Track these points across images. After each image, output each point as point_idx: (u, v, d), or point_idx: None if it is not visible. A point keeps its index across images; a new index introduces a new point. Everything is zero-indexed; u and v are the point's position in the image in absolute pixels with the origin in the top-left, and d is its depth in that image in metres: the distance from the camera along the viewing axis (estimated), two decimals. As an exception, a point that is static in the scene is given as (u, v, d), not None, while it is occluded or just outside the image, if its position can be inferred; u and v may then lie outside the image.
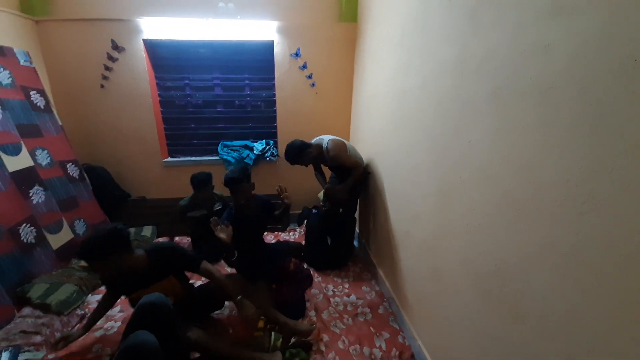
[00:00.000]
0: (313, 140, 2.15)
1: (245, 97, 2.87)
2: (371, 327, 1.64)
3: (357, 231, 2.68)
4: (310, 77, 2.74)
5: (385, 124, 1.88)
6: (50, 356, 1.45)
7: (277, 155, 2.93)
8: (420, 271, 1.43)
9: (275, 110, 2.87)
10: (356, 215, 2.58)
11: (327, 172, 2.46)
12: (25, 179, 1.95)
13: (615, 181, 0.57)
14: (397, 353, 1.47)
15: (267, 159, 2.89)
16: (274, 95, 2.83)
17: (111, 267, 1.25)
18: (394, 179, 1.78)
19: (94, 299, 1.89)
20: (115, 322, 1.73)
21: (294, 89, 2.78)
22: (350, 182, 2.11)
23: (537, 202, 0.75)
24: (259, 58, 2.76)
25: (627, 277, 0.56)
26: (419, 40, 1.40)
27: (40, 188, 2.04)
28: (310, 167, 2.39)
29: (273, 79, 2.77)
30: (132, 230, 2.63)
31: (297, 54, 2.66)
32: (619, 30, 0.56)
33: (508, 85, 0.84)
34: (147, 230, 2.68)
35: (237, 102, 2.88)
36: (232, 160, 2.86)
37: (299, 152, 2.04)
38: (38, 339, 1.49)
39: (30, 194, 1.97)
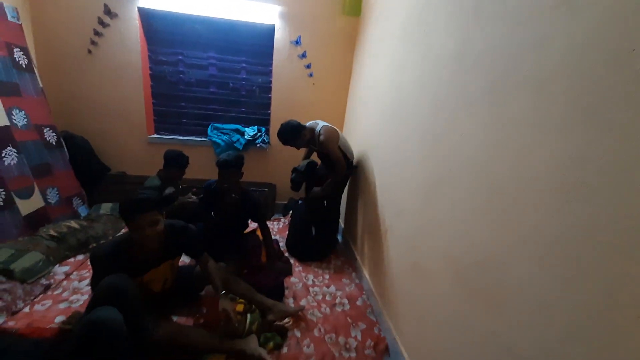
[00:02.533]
0: (308, 124, 2.10)
1: (241, 80, 2.81)
2: (348, 318, 1.63)
3: (342, 226, 2.68)
4: (308, 66, 2.72)
5: (379, 118, 1.88)
6: (11, 322, 1.36)
7: (268, 142, 2.89)
8: (401, 265, 1.43)
9: (270, 97, 2.83)
10: (342, 209, 2.57)
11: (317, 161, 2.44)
12: (-2, 138, 1.84)
13: (602, 170, 0.58)
14: (372, 344, 1.47)
15: (258, 145, 2.84)
16: (270, 81, 2.78)
17: (161, 226, 1.21)
18: (383, 173, 1.78)
19: (60, 270, 1.80)
20: (82, 295, 1.65)
21: (291, 77, 2.74)
22: (328, 187, 2.09)
23: (524, 192, 0.76)
24: (258, 42, 2.70)
25: (607, 266, 0.57)
26: (419, 35, 1.41)
27: (14, 150, 1.93)
28: (301, 154, 2.37)
29: (271, 65, 2.72)
30: (108, 205, 2.52)
31: (297, 42, 2.63)
32: (615, 21, 0.57)
33: (503, 79, 0.85)
34: (126, 207, 2.58)
35: (231, 84, 2.82)
36: (222, 144, 2.80)
37: (294, 133, 2.00)
38: (-3, 305, 1.40)
39: (3, 155, 1.85)
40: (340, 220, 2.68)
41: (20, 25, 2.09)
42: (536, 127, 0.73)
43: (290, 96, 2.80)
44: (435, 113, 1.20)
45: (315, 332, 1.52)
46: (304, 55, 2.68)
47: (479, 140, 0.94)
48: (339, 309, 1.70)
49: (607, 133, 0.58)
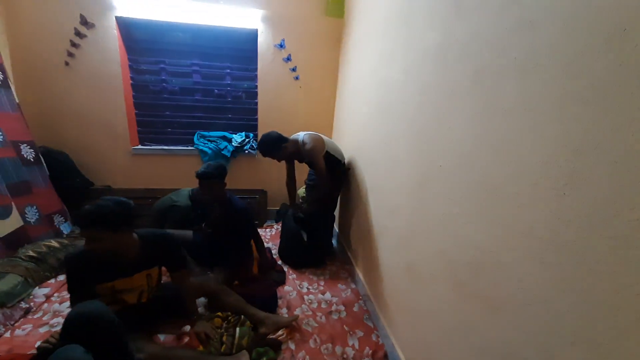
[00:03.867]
0: (291, 137, 2.05)
1: (226, 86, 2.76)
2: (345, 326, 1.57)
3: (337, 230, 2.62)
4: (294, 69, 2.68)
5: (368, 117, 1.84)
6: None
7: (257, 149, 2.83)
8: (396, 266, 1.38)
9: (256, 102, 2.78)
10: (336, 212, 2.52)
11: (304, 169, 2.38)
12: (-32, 157, 1.75)
13: (600, 159, 0.54)
14: (370, 352, 1.41)
15: (246, 152, 2.78)
16: (256, 86, 2.74)
17: (106, 242, 1.08)
18: (374, 173, 1.74)
19: (40, 292, 1.70)
20: (63, 317, 1.55)
21: (277, 81, 2.70)
22: (312, 205, 2.09)
23: (517, 186, 0.71)
24: (241, 47, 2.66)
25: (609, 261, 0.52)
26: (402, 30, 1.37)
27: (-14, 168, 1.83)
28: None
29: (256, 69, 2.68)
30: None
31: (281, 45, 2.59)
32: (606, -1, 0.54)
33: (490, 66, 0.81)
34: (111, 222, 2.49)
35: (216, 90, 2.76)
36: (209, 152, 2.73)
37: (273, 145, 1.94)
38: (-32, 335, 1.31)
39: (-27, 175, 1.76)
40: (335, 225, 2.62)
41: (-7, 38, 2.01)
42: (524, 116, 0.69)
43: (277, 100, 2.75)
44: (422, 107, 1.16)
45: (311, 343, 1.45)
46: (288, 59, 2.64)
47: (468, 133, 0.89)
48: (335, 317, 1.64)
49: (603, 118, 0.54)
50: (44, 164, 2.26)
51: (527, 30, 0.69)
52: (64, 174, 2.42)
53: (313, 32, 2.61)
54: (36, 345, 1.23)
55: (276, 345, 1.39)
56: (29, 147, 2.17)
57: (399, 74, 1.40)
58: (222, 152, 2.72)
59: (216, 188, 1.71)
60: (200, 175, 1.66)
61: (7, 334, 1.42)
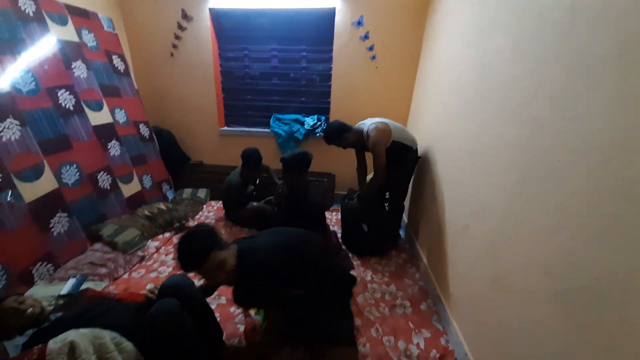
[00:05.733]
0: (356, 125, 2.00)
1: (301, 69, 2.80)
2: (410, 322, 1.49)
3: (405, 220, 2.48)
4: (371, 48, 2.53)
5: (455, 100, 1.62)
6: (112, 287, 1.64)
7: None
8: (479, 273, 1.21)
9: (329, 85, 2.75)
10: (407, 203, 2.37)
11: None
12: (106, 133, 2.21)
13: None
14: (438, 355, 1.31)
15: (317, 135, 2.81)
16: (330, 69, 2.69)
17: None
18: (456, 166, 1.54)
19: (152, 245, 2.10)
20: (168, 267, 1.90)
21: (352, 61, 2.60)
22: (369, 190, 2.01)
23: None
24: (318, 28, 2.63)
25: None
26: (513, -11, 1.12)
27: (117, 143, 2.30)
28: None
29: (331, 51, 2.63)
30: (189, 190, 2.86)
31: (359, 23, 2.46)
32: None
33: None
34: (202, 192, 2.89)
35: (292, 74, 2.83)
36: (283, 134, 2.86)
37: (335, 134, 1.96)
38: (103, 271, 1.71)
39: (109, 147, 2.22)
40: (404, 215, 2.48)
41: (116, 34, 2.45)
42: None
43: (351, 82, 2.67)
44: (537, 89, 0.94)
45: (373, 332, 1.43)
46: (366, 37, 2.50)
47: (602, 122, 0.68)
48: (399, 311, 1.57)
49: None
50: (156, 141, 2.72)
51: None
52: (169, 149, 2.88)
53: (395, 7, 2.39)
54: (145, 290, 1.53)
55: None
56: (145, 126, 2.62)
57: (503, 48, 1.16)
58: (295, 134, 2.82)
59: (297, 176, 1.79)
60: (283, 160, 1.77)
61: (126, 276, 1.81)
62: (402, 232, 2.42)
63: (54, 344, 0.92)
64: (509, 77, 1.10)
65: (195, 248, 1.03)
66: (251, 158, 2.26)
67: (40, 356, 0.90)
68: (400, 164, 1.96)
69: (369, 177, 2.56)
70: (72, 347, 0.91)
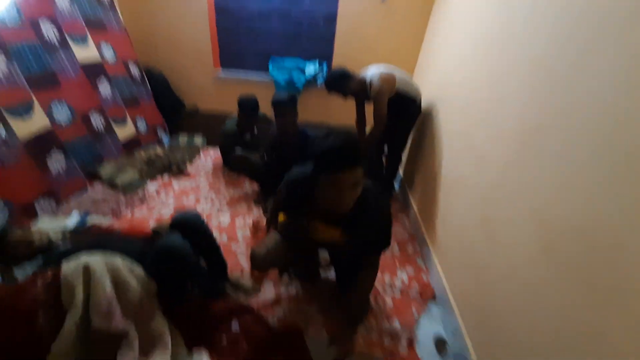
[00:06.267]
0: (360, 74, 1.91)
1: (304, 10, 2.58)
2: (396, 261, 1.63)
3: (401, 175, 2.53)
4: (381, -14, 2.31)
5: (471, 45, 1.53)
6: (115, 225, 1.71)
7: (325, 82, 2.73)
8: (469, 219, 1.28)
9: (334, 28, 2.56)
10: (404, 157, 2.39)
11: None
12: (94, 70, 2.10)
13: None
14: (418, 288, 1.45)
15: (319, 85, 2.71)
16: (336, 11, 2.48)
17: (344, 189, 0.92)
18: (463, 116, 1.52)
19: (151, 187, 2.14)
20: (168, 208, 1.97)
21: (360, 3, 2.39)
22: (369, 143, 1.95)
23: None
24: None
25: None
26: None
27: (107, 81, 2.20)
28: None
29: (337, -11, 2.39)
30: (185, 136, 2.82)
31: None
32: None
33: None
34: (198, 139, 2.86)
35: (293, 15, 2.61)
36: (282, 83, 2.75)
37: (337, 82, 1.89)
38: (106, 208, 1.77)
39: (98, 86, 2.13)
40: (400, 169, 2.52)
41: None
42: None
43: (357, 26, 2.49)
44: (569, 37, 0.86)
45: (362, 270, 1.56)
46: (375, -27, 2.27)
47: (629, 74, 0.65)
48: (387, 253, 1.70)
49: None
50: (147, 81, 2.59)
51: None
52: (161, 92, 2.76)
53: None
54: (151, 227, 1.60)
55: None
56: (135, 65, 2.48)
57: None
58: (295, 84, 2.71)
59: (290, 116, 1.77)
60: (274, 104, 1.75)
61: (129, 214, 1.87)
62: (396, 186, 2.49)
63: (67, 266, 0.95)
64: (534, 26, 1.03)
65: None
66: (248, 105, 2.19)
67: (55, 278, 0.93)
68: (402, 115, 1.93)
69: (368, 129, 2.55)
70: (86, 269, 0.96)
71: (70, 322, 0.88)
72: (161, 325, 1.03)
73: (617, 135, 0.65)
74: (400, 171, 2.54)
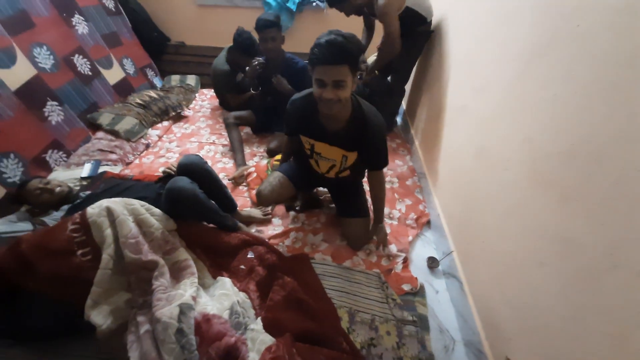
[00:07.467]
0: None
1: None
2: (395, 194, 1.71)
3: (404, 108, 2.45)
4: None
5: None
6: (127, 171, 1.79)
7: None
8: (465, 149, 1.30)
9: None
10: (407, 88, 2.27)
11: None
12: (64, 4, 1.88)
13: None
14: (415, 217, 1.57)
15: (314, 4, 2.41)
16: None
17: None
18: (466, 39, 1.39)
19: (153, 133, 2.15)
20: (174, 153, 2.02)
21: None
22: (371, 72, 1.83)
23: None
24: None
25: None
26: None
27: (81, 17, 1.99)
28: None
29: None
30: (177, 77, 2.68)
31: None
32: None
33: None
34: (192, 79, 2.72)
35: None
36: (274, 4, 2.45)
37: None
38: (114, 156, 1.82)
39: (74, 23, 1.94)
40: (403, 101, 2.42)
41: None
42: None
43: None
44: None
45: (362, 201, 1.66)
46: None
47: None
48: (387, 186, 1.77)
49: None
50: (124, 13, 2.34)
51: None
52: (142, 25, 2.52)
53: None
54: (160, 170, 1.67)
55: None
56: (106, -7, 2.21)
57: None
58: (287, 4, 2.41)
59: (277, 38, 1.67)
60: (259, 24, 1.62)
61: (137, 161, 1.93)
62: (399, 119, 2.43)
63: (92, 209, 1.06)
64: None
65: None
66: (245, 42, 1.94)
67: (82, 219, 1.04)
68: (409, 39, 1.75)
69: (370, 59, 2.36)
70: (109, 210, 1.07)
71: (106, 256, 1.01)
72: (186, 256, 1.17)
73: (621, 66, 0.61)
74: (404, 105, 2.46)
